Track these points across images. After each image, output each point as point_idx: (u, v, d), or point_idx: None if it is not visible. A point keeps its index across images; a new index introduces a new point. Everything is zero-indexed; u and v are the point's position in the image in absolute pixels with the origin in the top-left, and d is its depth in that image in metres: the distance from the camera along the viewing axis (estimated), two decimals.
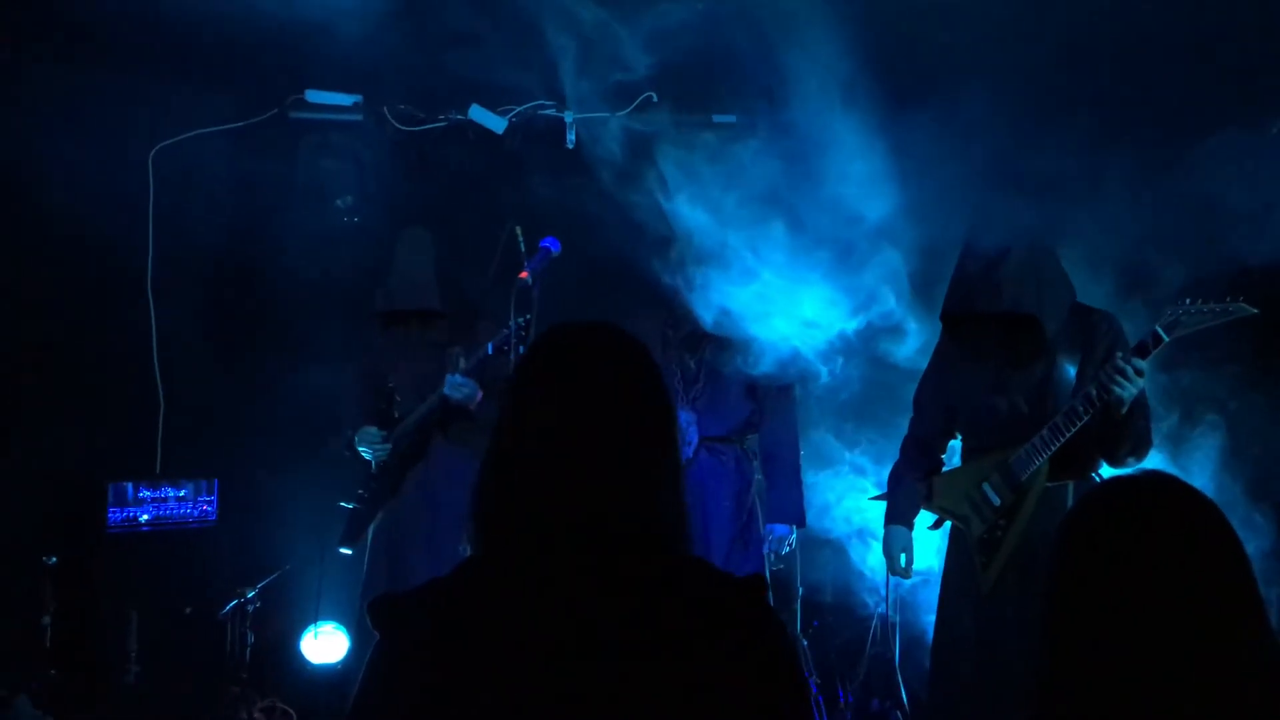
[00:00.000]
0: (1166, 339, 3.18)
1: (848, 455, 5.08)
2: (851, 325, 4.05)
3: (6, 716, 3.99)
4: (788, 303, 4.06)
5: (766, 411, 4.37)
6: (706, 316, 4.12)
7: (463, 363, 4.35)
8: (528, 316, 3.96)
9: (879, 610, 4.85)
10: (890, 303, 4.00)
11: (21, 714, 4.00)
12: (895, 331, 4.09)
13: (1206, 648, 1.44)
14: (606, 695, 1.43)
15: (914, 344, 4.14)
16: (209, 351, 5.46)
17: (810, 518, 4.53)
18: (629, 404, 1.59)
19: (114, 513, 4.76)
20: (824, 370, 4.17)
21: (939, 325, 3.76)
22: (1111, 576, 1.50)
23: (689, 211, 4.10)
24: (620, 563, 1.51)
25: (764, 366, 4.15)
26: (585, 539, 1.51)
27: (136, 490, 4.85)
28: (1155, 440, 3.55)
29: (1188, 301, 3.16)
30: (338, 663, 5.04)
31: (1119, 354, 3.28)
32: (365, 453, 4.54)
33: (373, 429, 4.54)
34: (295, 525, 5.18)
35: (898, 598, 4.74)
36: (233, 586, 4.93)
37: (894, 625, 4.77)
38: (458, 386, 4.33)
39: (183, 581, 4.92)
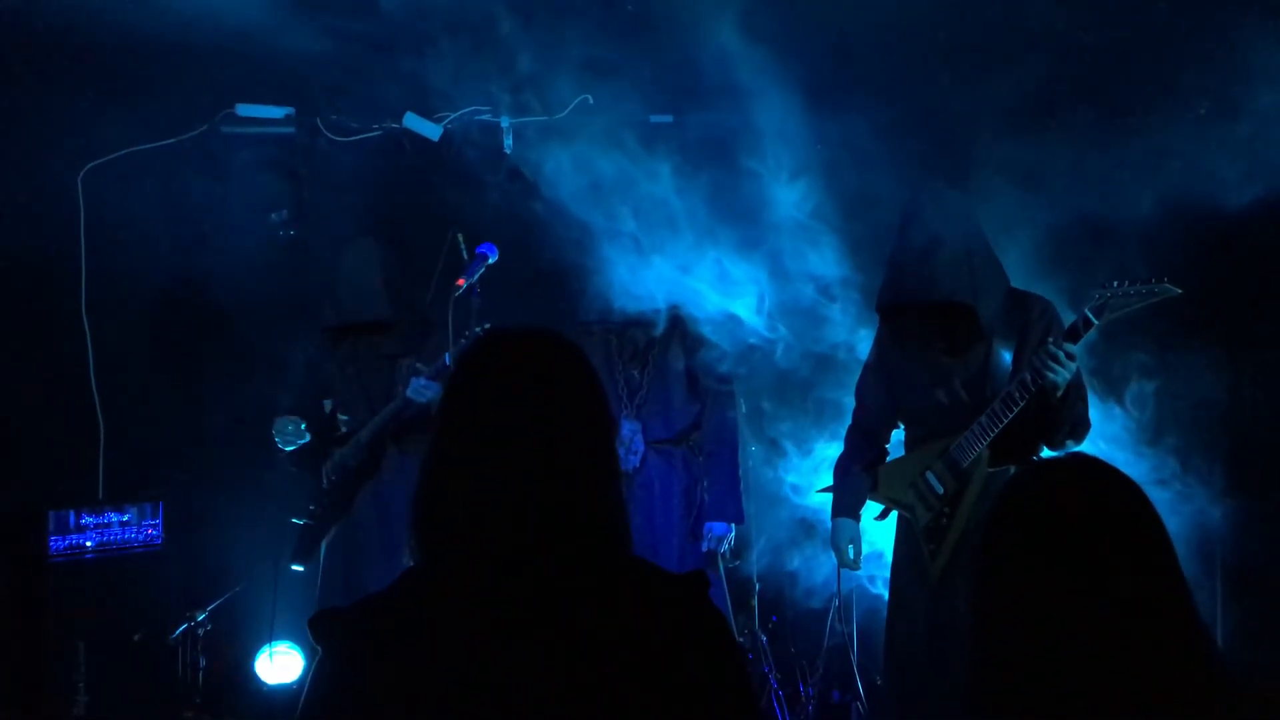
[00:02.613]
0: (1096, 322, 3.24)
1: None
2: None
3: None
4: (720, 282, 4.23)
5: (708, 410, 4.43)
6: (653, 300, 4.23)
7: (424, 367, 4.31)
8: (485, 326, 3.96)
9: (834, 604, 4.89)
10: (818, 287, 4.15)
11: None
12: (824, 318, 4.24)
13: (1130, 627, 1.47)
14: (550, 700, 1.43)
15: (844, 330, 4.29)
16: (147, 372, 5.38)
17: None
18: (565, 407, 1.60)
19: (56, 541, 4.67)
20: (759, 340, 4.26)
21: (873, 313, 3.83)
22: (1036, 558, 1.52)
23: (624, 206, 4.16)
24: (560, 566, 1.51)
25: (707, 348, 4.27)
26: (524, 543, 1.51)
27: (78, 517, 4.75)
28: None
29: (1115, 284, 3.22)
30: (293, 683, 4.98)
31: (1050, 339, 3.33)
32: (284, 445, 4.45)
33: (290, 418, 4.43)
34: (245, 545, 5.11)
35: (852, 589, 4.77)
36: (183, 610, 4.86)
37: (848, 617, 4.81)
38: (421, 390, 4.27)
39: (130, 608, 4.83)
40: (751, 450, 4.93)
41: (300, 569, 4.61)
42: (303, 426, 4.43)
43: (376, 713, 1.44)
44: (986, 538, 1.58)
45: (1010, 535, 1.56)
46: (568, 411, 1.59)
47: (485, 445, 1.56)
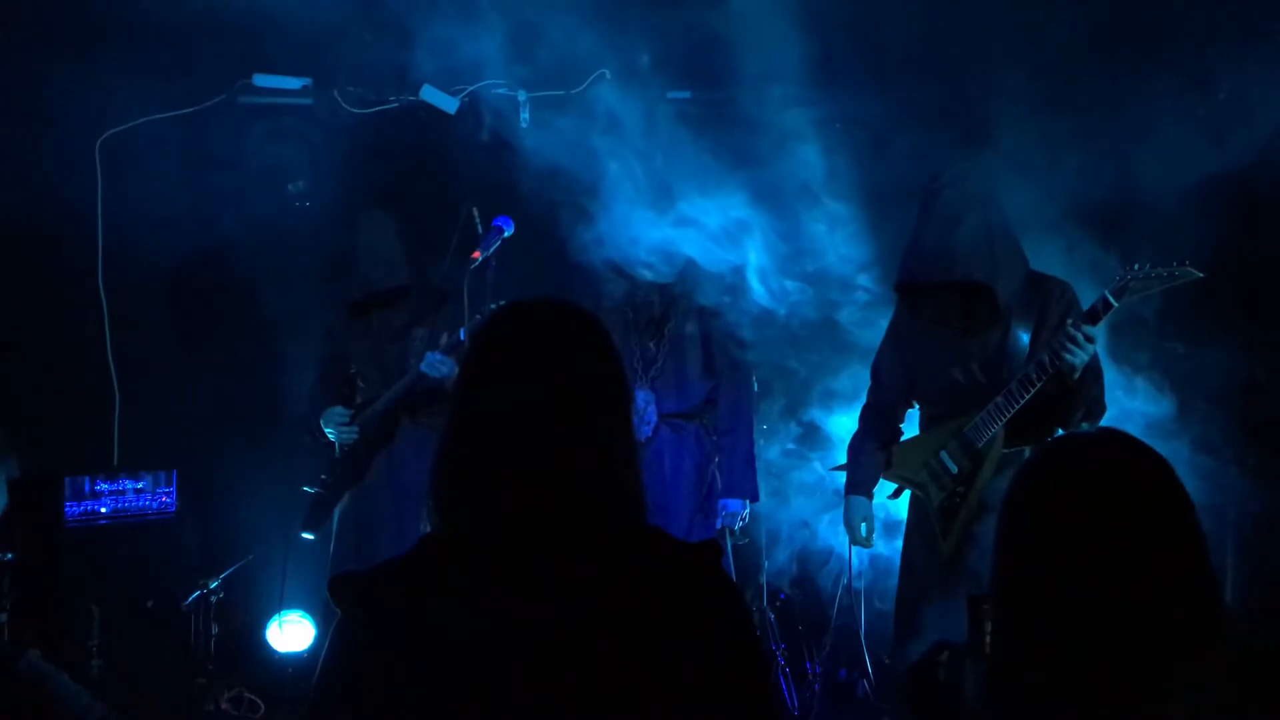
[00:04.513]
0: (1116, 304, 3.23)
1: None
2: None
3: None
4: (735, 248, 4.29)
5: (722, 388, 4.44)
6: (668, 270, 4.28)
7: (445, 339, 4.31)
8: (501, 301, 3.96)
9: (843, 581, 4.90)
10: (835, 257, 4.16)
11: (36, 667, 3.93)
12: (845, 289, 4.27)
13: (1154, 601, 1.47)
14: (566, 664, 1.44)
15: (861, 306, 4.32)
16: (163, 341, 5.40)
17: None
18: (584, 378, 1.60)
19: (71, 507, 4.71)
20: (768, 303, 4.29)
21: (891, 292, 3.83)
22: (1061, 530, 1.52)
23: (640, 180, 4.17)
24: (578, 535, 1.52)
25: (722, 316, 4.32)
26: (542, 512, 1.52)
27: (94, 484, 4.79)
28: None
29: (1135, 267, 3.20)
30: (304, 651, 5.02)
31: (1070, 321, 3.32)
32: (331, 434, 4.51)
33: (338, 409, 4.51)
34: (257, 513, 5.14)
35: (862, 568, 4.78)
36: (195, 577, 4.89)
37: (859, 595, 4.82)
38: (435, 365, 4.27)
39: (144, 574, 4.87)
40: (763, 428, 4.94)
41: (311, 537, 4.63)
42: (350, 418, 4.47)
43: (395, 676, 1.45)
44: (1009, 509, 1.58)
45: (1035, 507, 1.56)
46: (585, 381, 1.60)
47: (504, 414, 1.57)
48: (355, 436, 4.49)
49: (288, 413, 5.05)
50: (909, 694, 1.65)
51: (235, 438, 5.29)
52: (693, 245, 4.26)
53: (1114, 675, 1.45)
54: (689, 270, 4.34)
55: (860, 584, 4.79)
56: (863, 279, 4.42)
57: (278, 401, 5.14)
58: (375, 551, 4.33)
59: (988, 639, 1.56)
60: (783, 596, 5.25)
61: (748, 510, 4.46)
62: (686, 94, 5.20)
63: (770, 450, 4.99)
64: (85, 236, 5.11)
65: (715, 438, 4.46)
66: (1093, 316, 3.27)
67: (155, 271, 5.32)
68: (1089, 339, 3.25)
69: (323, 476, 4.57)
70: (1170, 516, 1.52)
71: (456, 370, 4.30)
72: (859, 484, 3.89)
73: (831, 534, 4.88)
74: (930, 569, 3.62)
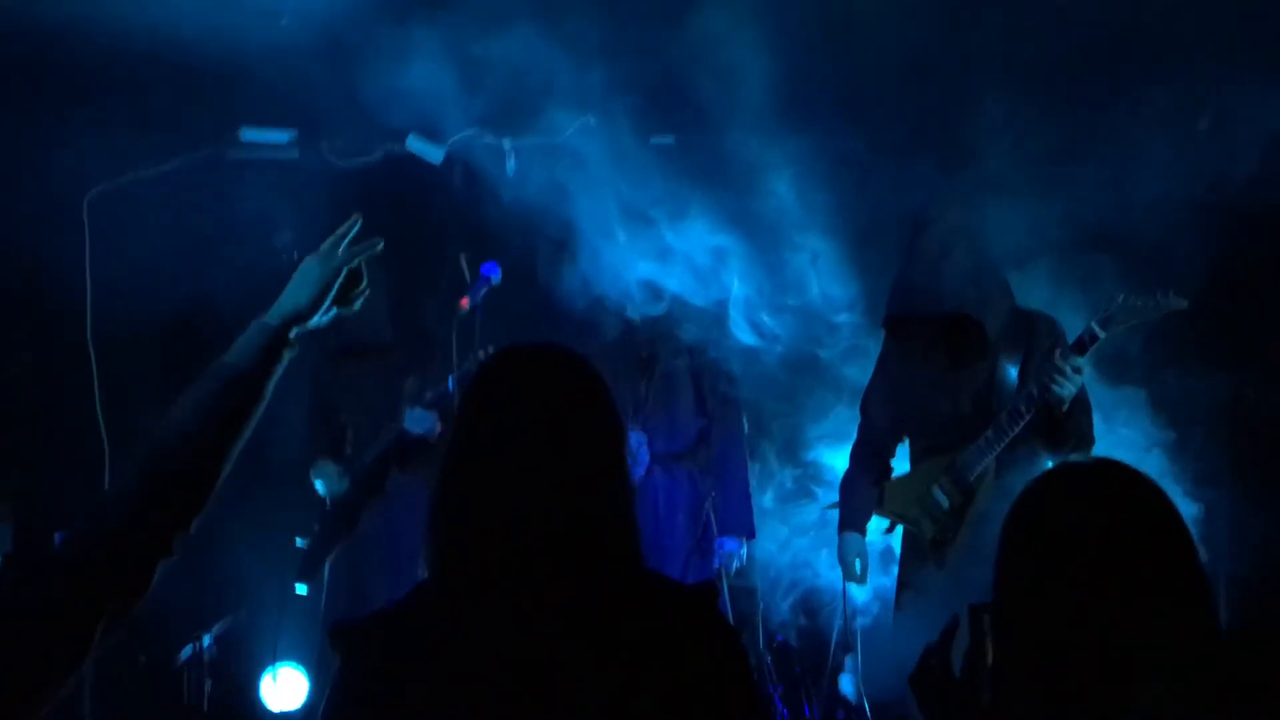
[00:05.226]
0: (1102, 335, 3.26)
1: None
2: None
3: None
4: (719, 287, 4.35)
5: (715, 427, 4.45)
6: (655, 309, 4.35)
7: (428, 394, 4.32)
8: (489, 348, 3.98)
9: (837, 623, 4.87)
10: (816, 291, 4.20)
11: None
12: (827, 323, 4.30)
13: (1153, 629, 1.47)
14: (569, 713, 1.43)
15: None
16: (153, 396, 5.37)
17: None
18: (578, 422, 1.61)
19: None
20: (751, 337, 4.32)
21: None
22: (1060, 558, 1.53)
23: (625, 222, 4.22)
24: (575, 580, 1.52)
25: (710, 353, 4.37)
26: (539, 557, 1.52)
27: None
28: None
29: (1121, 297, 3.24)
30: (298, 710, 4.96)
31: (1058, 352, 3.34)
32: (320, 487, 4.50)
33: (329, 465, 4.50)
34: (249, 566, 5.10)
35: (865, 604, 4.76)
36: (188, 633, 4.85)
37: (854, 634, 4.79)
38: (417, 420, 4.30)
39: (135, 631, 4.81)
40: (756, 467, 4.93)
41: (304, 590, 4.60)
42: (342, 471, 4.45)
43: None
44: (1010, 533, 1.59)
45: (1033, 537, 1.57)
46: (580, 426, 1.61)
47: (498, 460, 1.57)
48: (346, 489, 4.47)
49: (278, 465, 5.02)
50: (923, 697, 1.64)
51: (226, 490, 5.23)
52: (678, 283, 4.30)
53: (1113, 702, 1.45)
54: (676, 307, 4.37)
55: (864, 620, 4.76)
56: (848, 315, 4.46)
57: (268, 453, 5.11)
58: (368, 602, 4.30)
59: (988, 647, 1.57)
60: (779, 639, 5.21)
61: (745, 549, 4.44)
62: (669, 138, 5.25)
63: (765, 488, 4.98)
64: (74, 293, 5.10)
65: (709, 477, 4.46)
66: (1080, 348, 3.29)
67: (144, 326, 5.31)
68: (1077, 370, 3.27)
69: (315, 528, 4.55)
70: (1167, 541, 1.53)
71: (439, 425, 4.32)
72: (852, 521, 3.89)
73: (831, 572, 4.86)
74: (925, 594, 3.61)
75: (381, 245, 1.83)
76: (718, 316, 4.35)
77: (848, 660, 4.61)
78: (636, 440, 4.36)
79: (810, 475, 5.01)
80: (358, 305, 1.85)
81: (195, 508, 1.52)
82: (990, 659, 1.56)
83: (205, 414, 1.56)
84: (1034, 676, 1.51)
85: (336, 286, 1.75)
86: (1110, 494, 1.56)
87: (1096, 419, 3.61)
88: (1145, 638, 1.47)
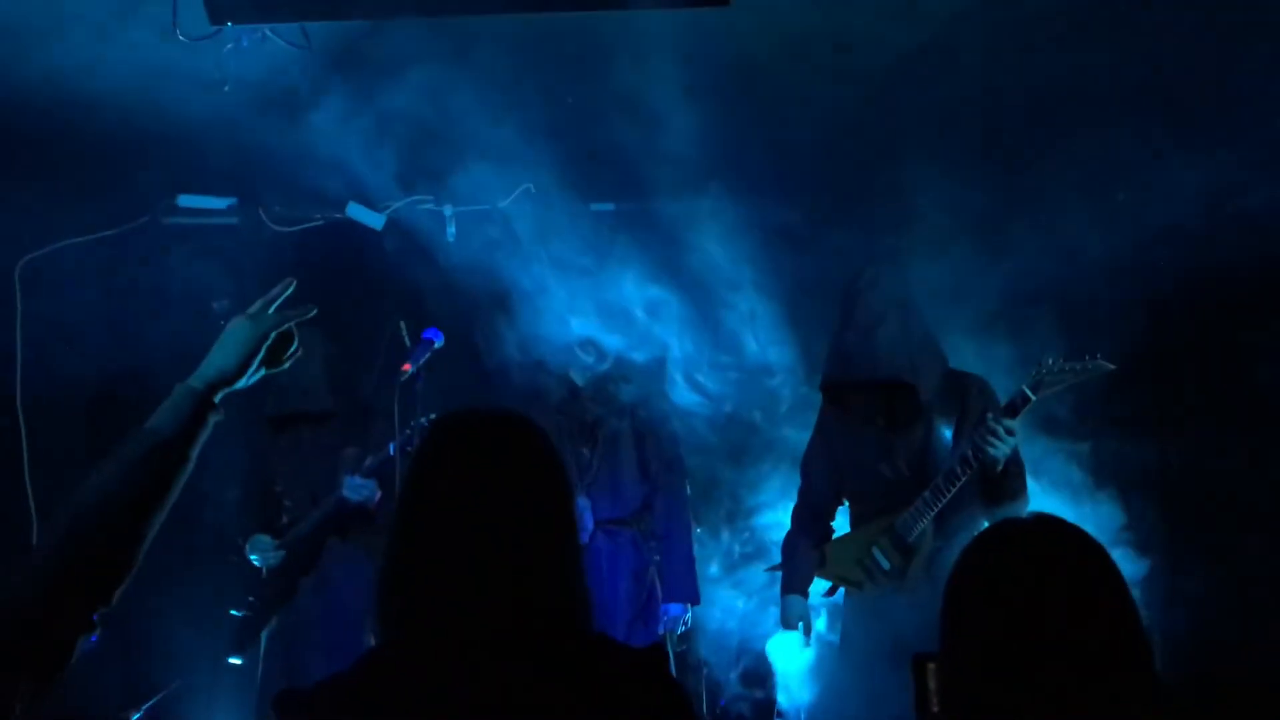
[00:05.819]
0: (1033, 398, 3.33)
1: None
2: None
3: None
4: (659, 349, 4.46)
5: (659, 492, 4.45)
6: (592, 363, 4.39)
7: (369, 460, 4.29)
8: (431, 416, 3.95)
9: (775, 690, 4.85)
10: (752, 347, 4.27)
11: None
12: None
13: (1095, 684, 1.51)
14: None
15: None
16: (82, 465, 5.25)
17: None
18: (526, 487, 1.62)
19: None
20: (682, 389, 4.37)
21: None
22: (1002, 615, 1.56)
23: (566, 288, 4.27)
24: (525, 644, 1.52)
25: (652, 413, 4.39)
26: (486, 623, 1.52)
27: None
28: None
29: (1050, 361, 3.32)
30: None
31: (990, 415, 3.42)
32: (256, 560, 4.43)
33: (265, 537, 4.43)
34: (181, 639, 4.97)
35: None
36: (117, 711, 4.70)
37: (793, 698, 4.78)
38: (357, 488, 4.27)
39: (62, 712, 4.66)
40: (697, 532, 4.94)
41: (238, 661, 4.50)
42: (276, 545, 4.39)
43: None
44: (951, 595, 1.62)
45: (975, 592, 1.60)
46: (529, 491, 1.62)
47: (449, 524, 1.57)
48: (282, 559, 4.41)
49: (211, 536, 4.93)
50: None
51: (156, 562, 5.11)
52: (619, 340, 4.36)
53: None
54: (619, 366, 4.41)
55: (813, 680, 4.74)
56: (786, 378, 4.53)
57: (201, 524, 5.02)
58: (304, 672, 4.22)
59: (933, 698, 1.59)
60: (722, 703, 5.19)
61: (689, 614, 4.45)
62: (610, 205, 5.32)
63: (708, 553, 4.99)
64: (4, 364, 5.00)
65: (652, 542, 4.46)
66: (1012, 410, 3.36)
67: (77, 398, 5.22)
68: (1009, 432, 3.34)
69: (250, 599, 4.47)
70: (1105, 594, 1.57)
71: (378, 493, 4.29)
72: (794, 583, 3.91)
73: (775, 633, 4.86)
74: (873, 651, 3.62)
75: (315, 311, 1.82)
76: (658, 374, 4.41)
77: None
78: (581, 505, 4.36)
79: (754, 539, 5.03)
80: (287, 365, 1.84)
81: (116, 578, 1.47)
82: (935, 709, 1.59)
83: (127, 482, 1.51)
84: None
85: (265, 348, 1.72)
86: (1051, 552, 1.60)
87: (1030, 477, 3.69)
88: (1088, 693, 1.50)
